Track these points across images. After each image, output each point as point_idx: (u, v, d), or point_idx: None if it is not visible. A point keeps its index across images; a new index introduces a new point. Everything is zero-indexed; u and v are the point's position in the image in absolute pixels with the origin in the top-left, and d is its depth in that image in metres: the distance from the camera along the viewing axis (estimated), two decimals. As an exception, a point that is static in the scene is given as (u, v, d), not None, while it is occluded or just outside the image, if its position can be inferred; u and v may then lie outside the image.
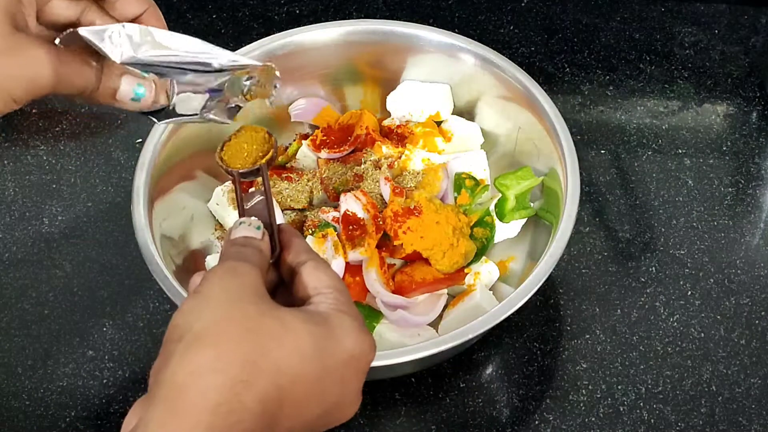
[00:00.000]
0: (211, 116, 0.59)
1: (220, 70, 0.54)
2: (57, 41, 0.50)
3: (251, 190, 0.53)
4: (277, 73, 0.58)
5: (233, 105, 0.59)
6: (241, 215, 0.51)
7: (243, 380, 0.41)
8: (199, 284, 0.45)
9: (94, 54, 0.50)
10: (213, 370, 0.41)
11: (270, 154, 0.53)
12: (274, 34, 0.82)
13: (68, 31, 0.49)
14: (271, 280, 0.50)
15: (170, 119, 0.57)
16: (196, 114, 0.58)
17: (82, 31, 0.49)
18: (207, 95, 0.57)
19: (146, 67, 0.52)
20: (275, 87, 0.59)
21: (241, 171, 0.53)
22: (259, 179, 0.54)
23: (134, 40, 0.50)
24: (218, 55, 0.53)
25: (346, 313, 0.46)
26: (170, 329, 0.43)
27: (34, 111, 0.94)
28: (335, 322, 0.45)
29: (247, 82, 0.57)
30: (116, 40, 0.49)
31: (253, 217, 0.50)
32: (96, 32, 0.49)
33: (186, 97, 0.55)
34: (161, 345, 0.43)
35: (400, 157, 0.81)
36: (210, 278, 0.45)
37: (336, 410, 0.46)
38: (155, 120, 0.56)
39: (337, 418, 0.46)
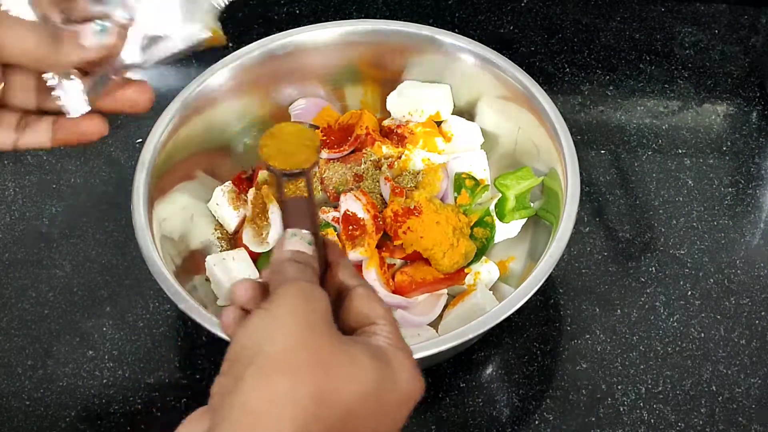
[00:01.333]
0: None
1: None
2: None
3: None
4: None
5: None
6: (284, 222, 0.49)
7: (315, 414, 0.40)
8: (267, 302, 0.44)
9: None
10: (290, 400, 0.40)
11: (317, 156, 0.49)
12: (274, 34, 0.82)
13: None
14: None
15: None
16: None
17: None
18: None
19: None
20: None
21: (285, 172, 0.49)
22: (301, 183, 0.51)
23: None
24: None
25: (402, 350, 0.46)
26: (237, 348, 0.42)
27: (34, 111, 0.94)
28: (394, 360, 0.45)
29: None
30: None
31: (303, 230, 0.48)
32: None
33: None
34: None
35: (400, 157, 0.81)
36: (281, 298, 0.44)
37: None
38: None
39: None
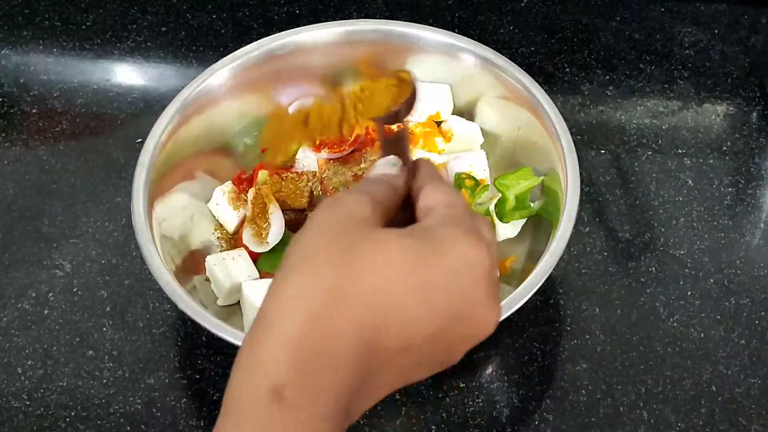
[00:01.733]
0: None
1: None
2: None
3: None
4: None
5: None
6: (382, 153, 0.51)
7: (329, 308, 0.39)
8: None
9: None
10: (296, 299, 0.40)
11: (409, 94, 0.53)
12: (274, 34, 0.82)
13: None
14: (405, 219, 0.47)
15: None
16: None
17: None
18: None
19: None
20: None
21: (382, 117, 0.53)
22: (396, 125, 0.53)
23: None
24: None
25: (455, 225, 0.43)
26: (281, 262, 0.43)
27: (34, 111, 0.94)
28: (440, 234, 0.42)
29: None
30: None
31: (391, 155, 0.50)
32: None
33: None
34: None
35: (400, 157, 0.81)
36: (317, 209, 0.44)
37: (462, 324, 0.43)
38: None
39: (473, 333, 0.44)
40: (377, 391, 0.43)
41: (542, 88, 0.77)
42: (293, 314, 0.40)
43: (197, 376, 0.75)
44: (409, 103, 0.53)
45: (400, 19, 0.84)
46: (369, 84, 0.54)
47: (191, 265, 0.76)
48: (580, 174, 0.72)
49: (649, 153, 0.90)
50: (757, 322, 0.78)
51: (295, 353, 0.39)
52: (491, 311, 0.44)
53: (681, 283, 0.80)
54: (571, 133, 0.75)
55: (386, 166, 0.49)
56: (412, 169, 0.49)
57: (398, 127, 0.53)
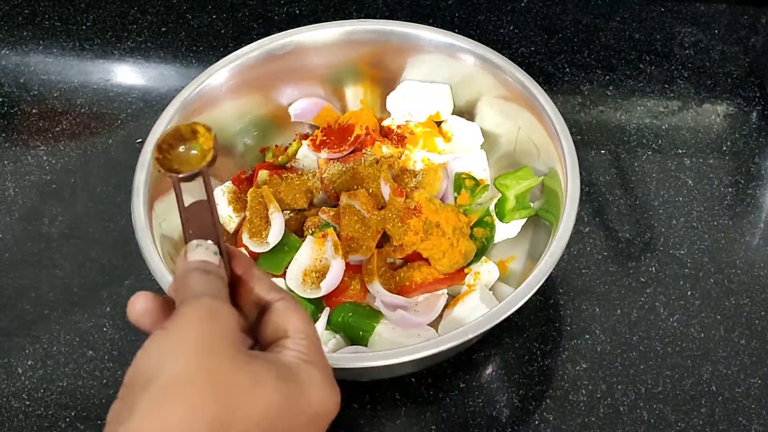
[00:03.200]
0: None
1: None
2: None
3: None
4: None
5: None
6: (185, 231, 0.46)
7: None
8: (168, 321, 0.41)
9: None
10: (183, 430, 0.38)
11: (212, 153, 0.45)
12: (274, 34, 0.82)
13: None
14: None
15: None
16: None
17: None
18: None
19: None
20: None
21: (180, 176, 0.45)
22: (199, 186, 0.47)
23: None
24: None
25: (315, 366, 0.43)
26: (134, 372, 0.40)
27: (34, 111, 0.94)
28: (304, 376, 0.42)
29: None
30: None
31: (209, 241, 0.45)
32: None
33: None
34: (122, 386, 0.40)
35: (400, 157, 0.81)
36: (182, 318, 0.41)
37: None
38: None
39: None
40: None
41: (542, 88, 0.77)
42: None
43: (197, 376, 0.75)
44: (210, 165, 0.45)
45: (400, 19, 0.84)
46: (177, 132, 0.46)
47: (191, 265, 0.76)
48: (580, 174, 0.72)
49: (649, 153, 0.90)
50: (757, 322, 0.78)
51: None
52: None
53: (681, 283, 0.80)
54: (571, 133, 0.75)
55: (208, 253, 0.45)
56: (236, 265, 0.46)
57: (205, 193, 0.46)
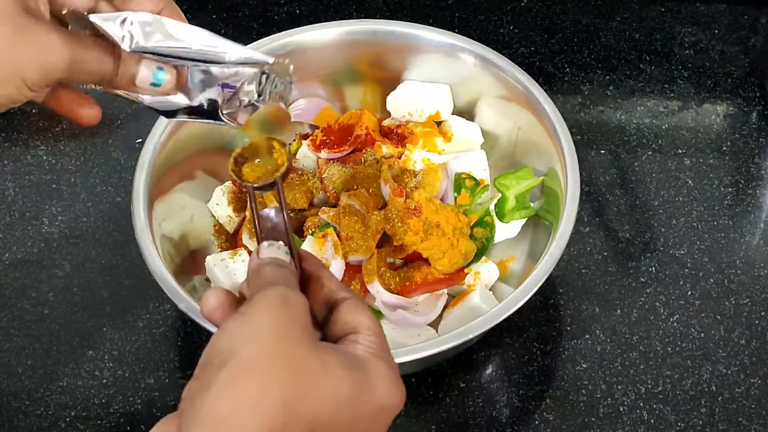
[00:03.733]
0: (224, 117, 0.55)
1: (233, 65, 0.52)
2: (69, 29, 0.49)
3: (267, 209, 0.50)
4: (291, 68, 0.55)
5: (247, 104, 0.55)
6: (258, 233, 0.49)
7: (283, 422, 0.40)
8: (245, 306, 0.43)
9: (109, 41, 0.49)
10: (257, 406, 0.39)
11: (285, 165, 0.49)
12: (274, 34, 0.82)
13: (78, 15, 0.48)
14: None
15: (179, 116, 0.54)
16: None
17: (93, 17, 0.48)
18: (221, 90, 0.54)
19: (158, 57, 0.50)
20: (290, 85, 0.55)
21: (255, 185, 0.48)
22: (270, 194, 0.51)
23: (146, 29, 0.49)
24: (230, 50, 0.51)
25: (383, 361, 0.45)
26: (211, 351, 0.41)
27: (34, 111, 0.94)
28: (372, 369, 0.44)
29: (264, 80, 0.54)
30: (127, 27, 0.48)
31: (279, 241, 0.48)
32: (107, 18, 0.48)
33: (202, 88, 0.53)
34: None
35: (400, 157, 0.81)
36: (260, 303, 0.43)
37: None
38: (162, 115, 0.54)
39: None
40: None
41: (542, 88, 0.77)
42: (249, 426, 0.39)
43: (197, 376, 0.75)
44: (284, 176, 0.49)
45: (400, 19, 0.84)
46: (252, 145, 0.49)
47: (191, 265, 0.76)
48: (580, 174, 0.72)
49: (649, 153, 0.90)
50: (757, 322, 0.78)
51: None
52: None
53: (681, 283, 0.80)
54: (571, 133, 0.75)
55: (280, 252, 0.47)
56: (307, 265, 0.48)
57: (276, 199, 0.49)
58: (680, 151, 0.90)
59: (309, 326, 0.43)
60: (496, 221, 0.78)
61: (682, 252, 0.83)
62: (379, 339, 0.46)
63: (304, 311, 0.43)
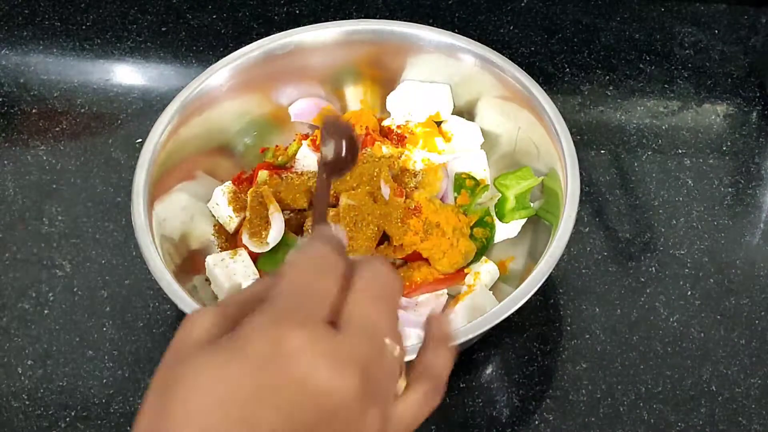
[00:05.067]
0: None
1: None
2: None
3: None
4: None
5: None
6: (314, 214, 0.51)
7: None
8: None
9: None
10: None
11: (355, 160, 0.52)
12: (274, 34, 0.82)
13: None
14: None
15: None
16: None
17: None
18: None
19: None
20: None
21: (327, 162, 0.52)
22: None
23: None
24: None
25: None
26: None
27: (34, 111, 0.94)
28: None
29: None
30: None
31: (338, 225, 0.51)
32: None
33: None
34: (159, 344, 0.41)
35: (400, 157, 0.81)
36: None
37: None
38: None
39: None
40: None
41: (542, 88, 0.77)
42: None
43: (197, 376, 0.75)
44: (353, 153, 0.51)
45: (400, 19, 0.84)
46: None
47: (191, 265, 0.76)
48: (580, 174, 0.72)
49: (649, 153, 0.90)
50: (757, 322, 0.78)
51: None
52: None
53: (681, 283, 0.80)
54: (571, 133, 0.75)
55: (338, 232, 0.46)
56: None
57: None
58: (680, 151, 0.90)
59: None
60: (496, 221, 0.78)
61: (682, 252, 0.83)
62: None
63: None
